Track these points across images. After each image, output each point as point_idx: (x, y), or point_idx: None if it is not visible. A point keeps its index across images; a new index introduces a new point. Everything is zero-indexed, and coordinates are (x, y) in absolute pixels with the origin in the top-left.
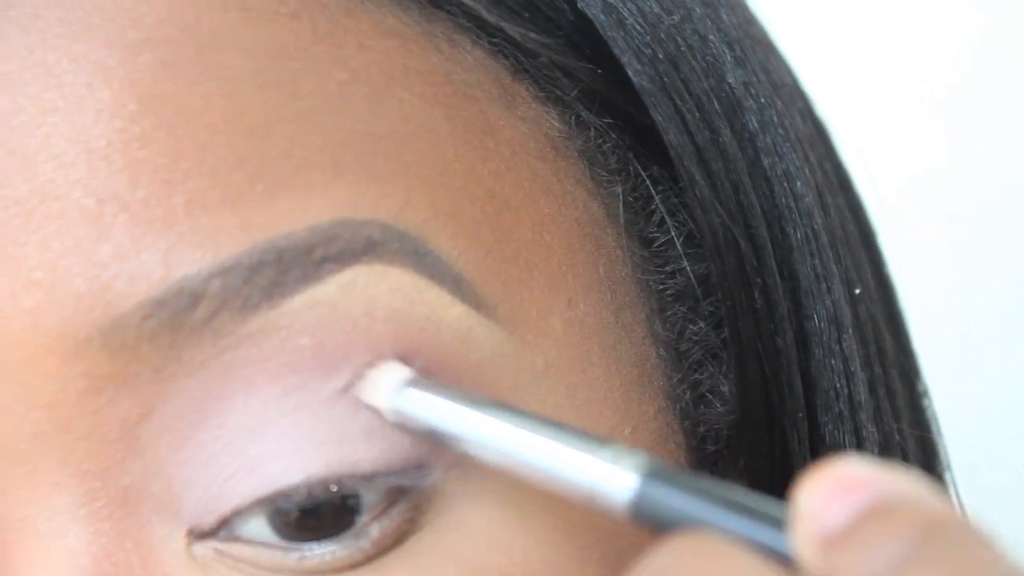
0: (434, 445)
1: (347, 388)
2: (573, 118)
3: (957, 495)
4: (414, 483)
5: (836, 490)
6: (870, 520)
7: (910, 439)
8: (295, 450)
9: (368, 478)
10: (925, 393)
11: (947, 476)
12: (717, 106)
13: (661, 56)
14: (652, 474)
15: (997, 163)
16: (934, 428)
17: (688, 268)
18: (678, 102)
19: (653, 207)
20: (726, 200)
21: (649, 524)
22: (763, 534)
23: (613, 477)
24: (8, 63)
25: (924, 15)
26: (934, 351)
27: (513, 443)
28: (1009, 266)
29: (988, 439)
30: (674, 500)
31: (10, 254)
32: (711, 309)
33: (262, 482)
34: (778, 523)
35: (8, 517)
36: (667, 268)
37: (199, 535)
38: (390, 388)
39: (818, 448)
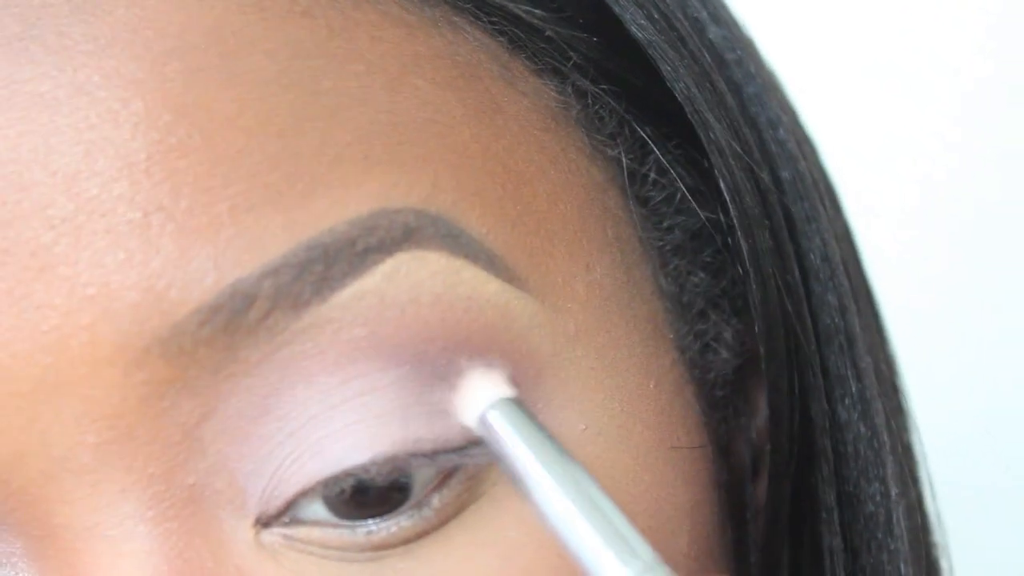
0: None
1: (416, 384)
2: (570, 87)
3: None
4: (472, 460)
5: None
6: None
7: (885, 369)
8: (360, 430)
9: (430, 456)
10: (886, 329)
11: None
12: (708, 59)
13: (656, 15)
14: None
15: (999, 163)
16: (896, 361)
17: (700, 215)
18: (679, 55)
19: (647, 167)
20: (736, 142)
21: None
22: None
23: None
24: (39, 84)
25: (930, 15)
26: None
27: (559, 514)
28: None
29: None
30: None
31: (62, 273)
32: (708, 260)
33: (328, 462)
34: None
35: (75, 527)
36: (664, 224)
37: (265, 522)
38: (479, 406)
39: (826, 381)
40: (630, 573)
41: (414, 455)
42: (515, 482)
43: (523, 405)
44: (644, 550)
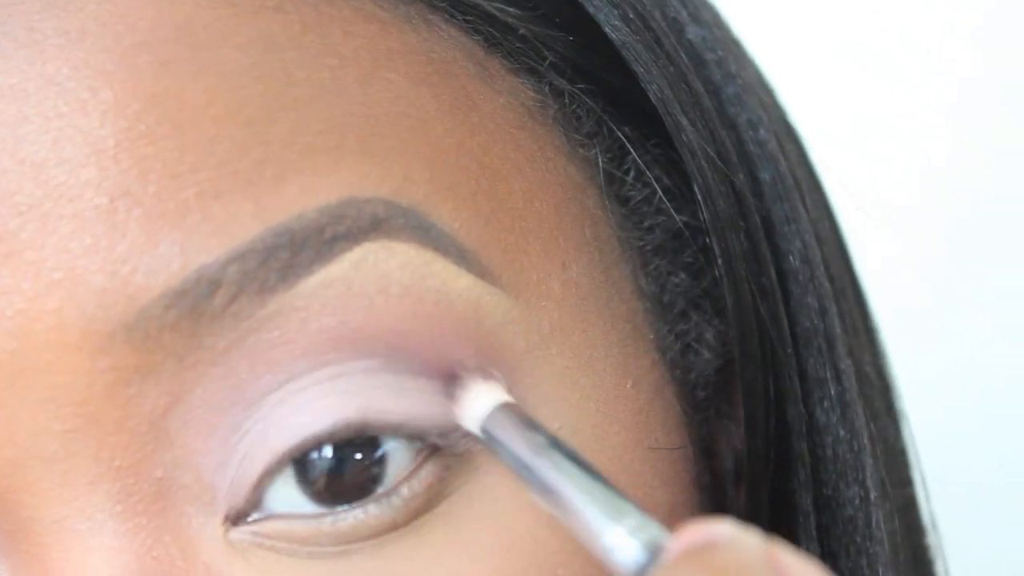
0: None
1: (388, 371)
2: (547, 86)
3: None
4: (442, 442)
5: (686, 532)
6: (691, 554)
7: (873, 371)
8: (325, 404)
9: (396, 427)
10: (876, 326)
11: (901, 404)
12: (685, 59)
13: (631, 15)
14: (657, 551)
15: (1000, 161)
16: (887, 361)
17: (673, 219)
18: (654, 56)
19: (627, 166)
20: (708, 146)
21: None
22: None
23: (626, 549)
24: (10, 76)
25: (924, 10)
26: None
27: (557, 495)
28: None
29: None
30: None
31: (29, 258)
32: (689, 260)
33: (291, 434)
34: None
35: (44, 519)
36: (644, 224)
37: (235, 518)
38: (479, 414)
39: (803, 384)
40: (625, 529)
41: (380, 425)
42: (519, 477)
43: (518, 408)
44: (650, 524)
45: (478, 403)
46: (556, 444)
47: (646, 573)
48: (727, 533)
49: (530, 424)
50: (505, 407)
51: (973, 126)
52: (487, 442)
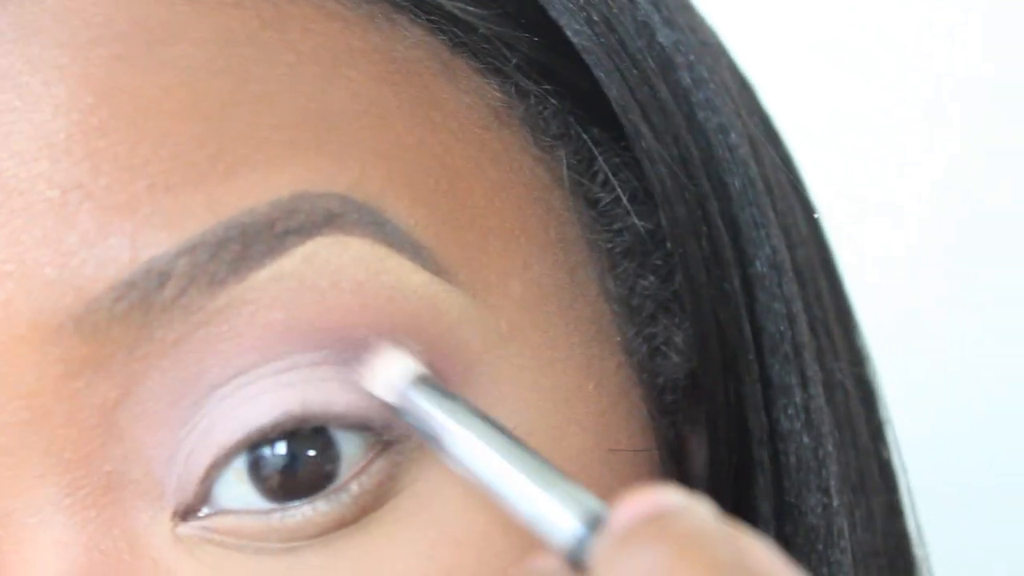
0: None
1: (334, 363)
2: (513, 87)
3: (893, 432)
4: (392, 436)
5: (632, 501)
6: (643, 524)
7: (849, 377)
8: (270, 397)
9: (339, 418)
10: (859, 332)
11: (884, 411)
12: (652, 64)
13: (596, 18)
14: (594, 522)
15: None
16: (869, 366)
17: (636, 223)
18: (616, 60)
19: (596, 168)
20: (670, 151)
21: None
22: None
23: (560, 520)
24: None
25: (914, 15)
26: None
27: (483, 467)
28: (1002, 265)
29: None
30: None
31: None
32: (659, 263)
33: (237, 426)
34: None
35: None
36: (614, 226)
37: (183, 513)
38: (396, 383)
39: (767, 390)
40: (573, 517)
41: (327, 416)
42: (443, 454)
43: (434, 379)
44: (583, 495)
45: (392, 370)
46: (478, 414)
47: (586, 546)
48: (679, 501)
49: (448, 394)
50: (422, 377)
51: (949, 122)
52: (401, 411)
